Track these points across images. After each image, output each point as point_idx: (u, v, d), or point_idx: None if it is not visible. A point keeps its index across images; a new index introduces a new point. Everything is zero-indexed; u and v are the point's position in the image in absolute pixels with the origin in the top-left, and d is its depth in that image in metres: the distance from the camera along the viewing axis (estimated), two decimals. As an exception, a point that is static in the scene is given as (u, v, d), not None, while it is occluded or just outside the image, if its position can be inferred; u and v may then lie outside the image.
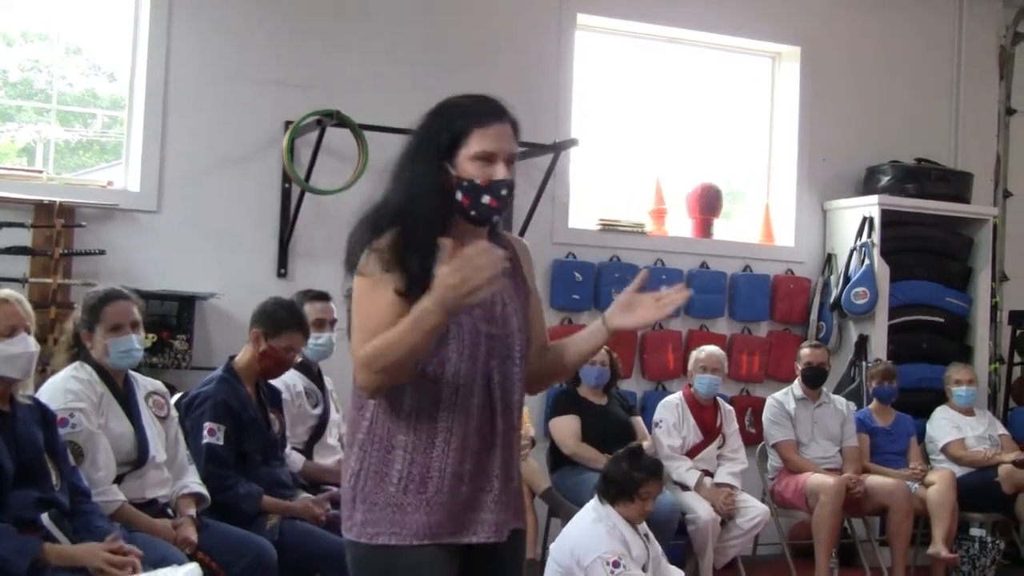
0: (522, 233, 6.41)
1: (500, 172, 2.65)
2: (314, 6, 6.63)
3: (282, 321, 4.75)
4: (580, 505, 5.17)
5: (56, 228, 5.87)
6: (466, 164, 2.64)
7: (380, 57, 6.73)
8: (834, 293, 7.64)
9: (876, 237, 7.53)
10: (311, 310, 5.33)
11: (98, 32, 6.57)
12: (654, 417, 6.38)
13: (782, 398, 6.78)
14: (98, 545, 3.64)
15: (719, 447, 6.38)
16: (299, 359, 5.11)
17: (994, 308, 8.09)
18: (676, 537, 5.85)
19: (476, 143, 2.64)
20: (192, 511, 4.30)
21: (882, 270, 7.52)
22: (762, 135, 8.06)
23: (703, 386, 6.36)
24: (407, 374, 2.58)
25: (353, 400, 2.73)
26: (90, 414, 4.09)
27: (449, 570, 2.66)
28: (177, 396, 4.86)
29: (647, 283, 2.84)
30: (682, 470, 6.15)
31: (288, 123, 6.32)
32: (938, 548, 6.42)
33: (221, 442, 4.57)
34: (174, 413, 4.53)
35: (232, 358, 4.84)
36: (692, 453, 6.28)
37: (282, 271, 6.46)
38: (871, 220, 7.56)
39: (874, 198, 7.63)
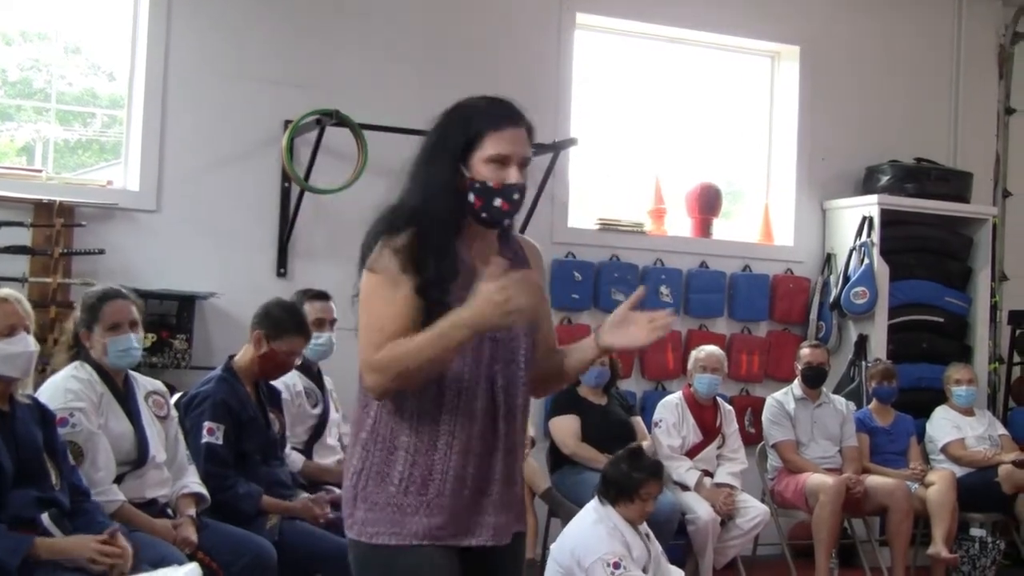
0: (521, 232, 6.39)
1: (513, 176, 2.66)
2: (313, 5, 6.63)
3: (285, 324, 4.75)
4: (580, 505, 5.16)
5: (56, 227, 5.86)
6: (480, 166, 2.64)
7: (379, 56, 6.72)
8: (834, 293, 7.63)
9: (876, 237, 7.53)
10: (311, 310, 5.33)
11: (97, 31, 6.57)
12: (654, 417, 6.38)
13: (782, 398, 6.77)
14: (90, 537, 3.63)
15: (719, 447, 6.38)
16: (299, 361, 5.10)
17: (994, 308, 8.09)
18: (676, 537, 5.84)
19: (490, 146, 2.64)
20: (192, 511, 4.29)
21: (882, 270, 7.52)
22: (761, 135, 8.05)
23: (703, 386, 6.35)
24: (421, 383, 2.59)
25: (358, 399, 2.73)
26: (90, 414, 4.09)
27: (449, 571, 2.65)
28: (177, 396, 4.86)
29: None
30: (682, 470, 6.15)
31: (287, 122, 6.32)
32: (938, 548, 6.42)
33: (220, 442, 4.57)
34: (174, 413, 4.53)
35: (231, 357, 4.83)
36: (692, 453, 6.28)
37: (281, 270, 6.45)
38: (871, 220, 7.56)
39: (873, 198, 7.63)
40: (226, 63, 6.42)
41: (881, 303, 7.52)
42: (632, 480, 4.73)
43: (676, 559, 5.43)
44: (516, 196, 2.67)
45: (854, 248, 7.59)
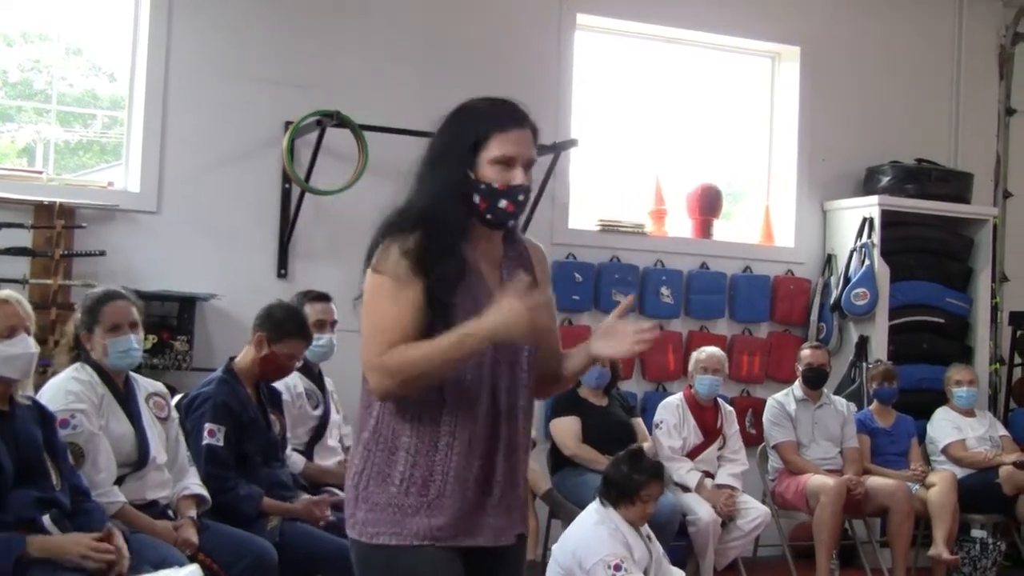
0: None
1: (518, 177, 2.67)
2: (313, 5, 6.63)
3: (287, 328, 4.75)
4: (581, 506, 5.16)
5: (56, 229, 5.86)
6: (485, 168, 2.65)
7: (379, 56, 6.72)
8: (834, 294, 7.63)
9: (876, 237, 7.53)
10: (311, 311, 5.33)
11: (98, 33, 6.57)
12: (654, 418, 6.38)
13: (783, 399, 6.77)
14: (84, 535, 3.63)
15: (720, 448, 6.38)
16: (300, 363, 5.10)
17: (994, 309, 8.08)
18: (677, 538, 5.84)
19: (496, 147, 2.65)
20: (193, 512, 4.30)
21: (882, 271, 7.51)
22: (762, 135, 8.05)
23: (704, 387, 6.35)
24: (427, 387, 2.60)
25: (361, 399, 2.73)
26: (91, 415, 4.09)
27: (451, 571, 2.65)
28: (178, 397, 4.86)
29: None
30: (683, 471, 6.15)
31: (288, 123, 6.31)
32: (939, 549, 6.42)
33: (221, 443, 4.57)
34: (175, 414, 4.53)
35: (232, 359, 4.83)
36: (693, 454, 6.28)
37: (282, 272, 6.45)
38: (871, 220, 7.56)
39: (874, 198, 7.63)
40: (226, 64, 6.42)
41: (882, 304, 7.51)
42: (633, 482, 4.73)
43: (677, 560, 5.43)
44: (521, 197, 2.68)
45: (855, 249, 7.59)
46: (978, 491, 6.76)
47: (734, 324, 7.63)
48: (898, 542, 6.45)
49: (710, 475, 6.25)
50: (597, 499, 4.83)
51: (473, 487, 2.66)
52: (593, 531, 4.72)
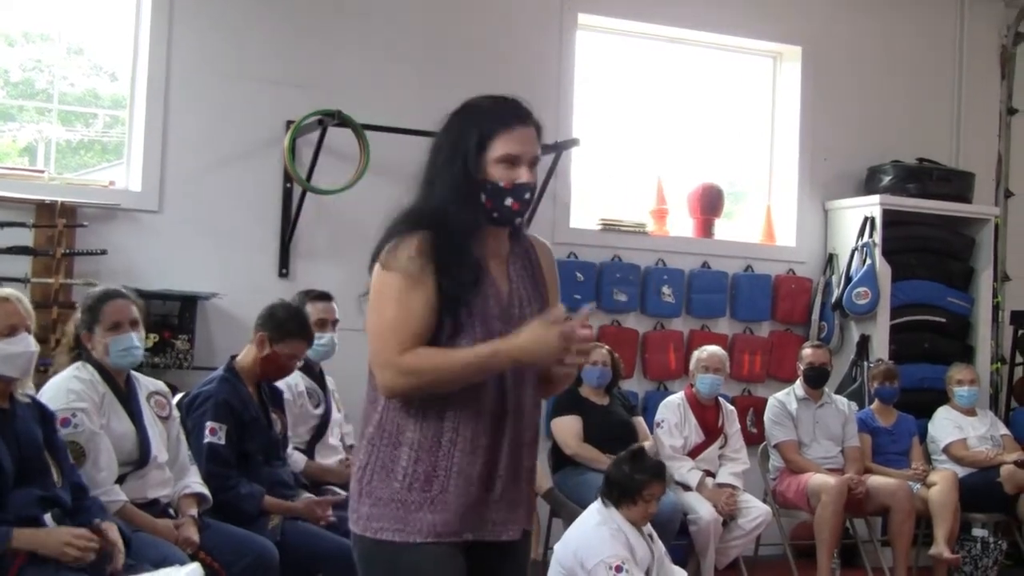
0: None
1: (523, 175, 2.68)
2: (314, 5, 6.63)
3: (288, 328, 4.75)
4: (582, 505, 5.16)
5: (58, 228, 5.87)
6: (490, 167, 2.66)
7: (380, 56, 6.72)
8: (836, 293, 7.63)
9: (878, 237, 7.53)
10: (313, 310, 5.34)
11: (99, 32, 6.57)
12: (656, 417, 6.38)
13: (784, 398, 6.77)
14: (68, 529, 3.62)
15: (721, 447, 6.38)
16: (301, 362, 5.10)
17: (996, 308, 8.08)
18: (678, 537, 5.84)
19: (501, 146, 2.66)
20: (194, 511, 4.30)
21: (883, 270, 7.51)
22: (763, 135, 8.05)
23: (705, 386, 6.35)
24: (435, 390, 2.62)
25: (367, 394, 2.74)
26: (92, 414, 4.09)
27: (453, 567, 2.66)
28: (179, 396, 4.86)
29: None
30: (684, 470, 6.15)
31: (289, 122, 6.31)
32: (940, 549, 6.42)
33: (223, 442, 4.57)
34: (176, 413, 4.53)
35: (233, 358, 4.84)
36: (694, 453, 6.28)
37: (283, 271, 6.46)
38: (872, 220, 7.55)
39: (875, 198, 7.63)
40: (227, 63, 6.42)
41: (883, 303, 7.51)
42: (635, 482, 4.73)
43: (678, 559, 5.43)
44: (527, 196, 2.70)
45: (856, 248, 7.59)
46: (979, 490, 6.76)
47: (735, 323, 7.63)
48: (899, 541, 6.45)
49: (711, 474, 6.25)
50: (599, 499, 4.83)
51: (476, 483, 2.66)
52: (595, 531, 4.71)
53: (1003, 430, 7.25)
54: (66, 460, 3.86)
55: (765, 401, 6.91)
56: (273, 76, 6.48)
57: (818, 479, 6.40)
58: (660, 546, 4.86)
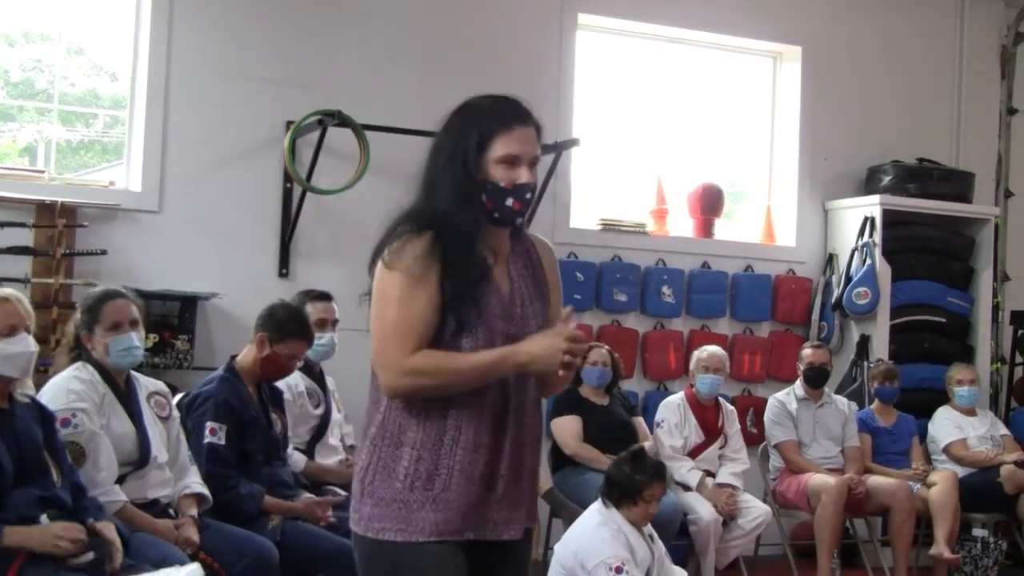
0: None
1: (524, 175, 2.69)
2: (314, 5, 6.63)
3: (288, 328, 4.76)
4: (582, 505, 5.16)
5: (58, 228, 5.87)
6: (490, 167, 2.67)
7: (380, 56, 6.72)
8: (836, 293, 7.63)
9: (878, 237, 7.53)
10: (313, 310, 5.34)
11: (100, 32, 6.57)
12: (656, 417, 6.38)
13: (784, 398, 6.77)
14: (58, 524, 3.61)
15: (721, 447, 6.38)
16: (301, 362, 5.10)
17: (996, 308, 8.08)
18: (678, 537, 5.84)
19: (501, 147, 2.67)
20: (194, 511, 4.30)
21: (884, 270, 7.51)
22: (763, 135, 8.05)
23: (705, 386, 6.35)
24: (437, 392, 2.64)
25: (370, 395, 2.74)
26: (92, 414, 4.09)
27: (455, 566, 2.66)
28: (179, 396, 4.86)
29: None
30: (684, 470, 6.15)
31: (289, 122, 6.31)
32: (940, 548, 6.42)
33: (223, 442, 4.57)
34: (176, 413, 4.53)
35: (233, 358, 4.84)
36: (694, 453, 6.28)
37: (283, 271, 6.46)
38: (872, 220, 7.55)
39: (875, 198, 7.63)
40: (227, 64, 6.42)
41: (883, 303, 7.51)
42: (635, 482, 4.73)
43: (678, 559, 5.43)
44: (528, 196, 2.70)
45: (856, 248, 7.59)
46: (979, 490, 6.76)
47: (735, 323, 7.63)
48: (899, 541, 6.45)
49: (711, 474, 6.25)
50: (599, 499, 4.83)
51: (478, 482, 2.66)
52: (595, 532, 4.71)
53: (1003, 430, 7.25)
54: (65, 460, 3.86)
55: (765, 401, 6.91)
56: (273, 76, 6.48)
57: (818, 479, 6.40)
58: (660, 546, 4.86)
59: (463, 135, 2.68)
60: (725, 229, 7.81)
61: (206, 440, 4.55)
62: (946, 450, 7.02)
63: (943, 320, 7.87)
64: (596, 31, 7.53)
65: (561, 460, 6.16)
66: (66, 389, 4.11)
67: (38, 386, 4.19)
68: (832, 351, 7.25)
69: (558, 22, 7.21)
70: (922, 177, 7.82)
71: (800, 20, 7.88)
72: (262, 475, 4.66)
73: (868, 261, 7.49)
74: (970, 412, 7.16)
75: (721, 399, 6.53)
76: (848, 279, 7.55)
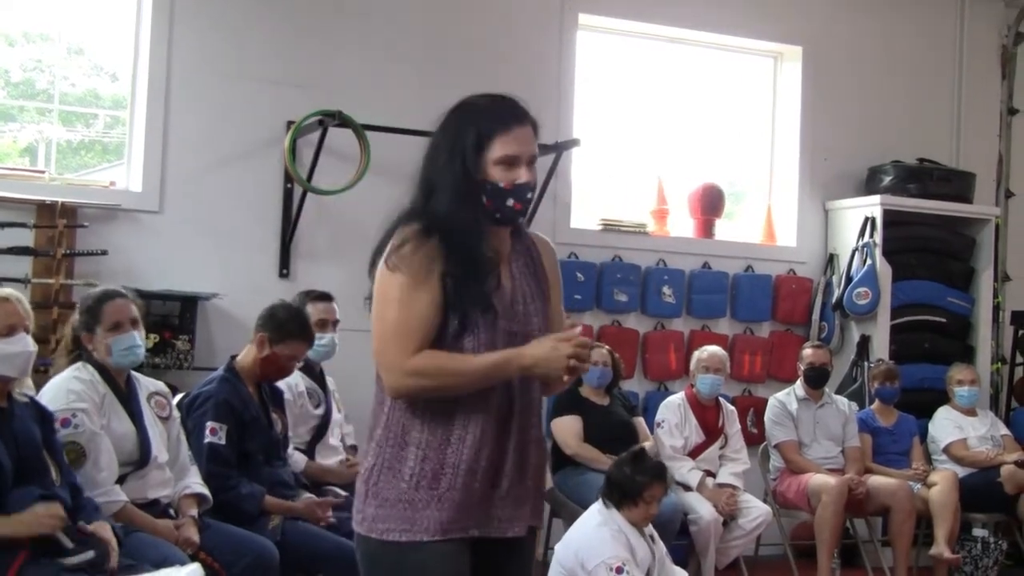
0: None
1: (523, 175, 2.69)
2: (314, 5, 6.63)
3: (289, 329, 4.75)
4: (583, 505, 5.16)
5: (58, 228, 5.87)
6: (489, 168, 2.67)
7: (380, 56, 6.72)
8: (836, 293, 7.63)
9: (878, 237, 7.53)
10: (313, 311, 5.34)
11: (100, 32, 6.57)
12: (656, 417, 6.38)
13: (784, 398, 6.77)
14: (39, 507, 3.60)
15: (721, 447, 6.38)
16: (300, 365, 5.10)
17: (996, 308, 8.08)
18: (678, 537, 5.84)
19: (499, 148, 2.66)
20: (194, 511, 4.30)
21: (884, 270, 7.51)
22: (764, 135, 8.05)
23: (705, 386, 6.36)
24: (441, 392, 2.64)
25: (375, 395, 2.75)
26: (92, 414, 4.09)
27: (459, 564, 2.67)
28: (179, 396, 4.86)
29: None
30: (684, 470, 6.15)
31: (290, 123, 6.31)
32: (940, 549, 6.42)
33: (223, 442, 4.57)
34: (176, 413, 4.53)
35: (234, 358, 4.84)
36: (694, 453, 6.28)
37: (284, 271, 6.46)
38: (873, 220, 7.55)
39: (876, 198, 7.62)
40: (228, 64, 6.42)
41: (883, 303, 7.51)
42: (636, 483, 4.73)
43: (678, 559, 5.43)
44: (528, 195, 2.71)
45: (856, 248, 7.59)
46: (979, 490, 6.76)
47: (736, 323, 7.63)
48: (899, 541, 6.45)
49: (711, 474, 6.25)
50: (600, 500, 4.83)
51: (482, 479, 2.67)
52: (596, 532, 4.71)
53: (1003, 430, 7.25)
54: (63, 460, 3.86)
55: (765, 401, 6.91)
56: (273, 76, 6.49)
57: (818, 479, 6.40)
58: (661, 547, 4.86)
59: (460, 135, 2.68)
60: (725, 229, 7.81)
61: (206, 440, 4.55)
62: (946, 450, 7.02)
63: (943, 320, 7.87)
64: (596, 31, 7.53)
65: (561, 460, 6.16)
66: (66, 389, 4.11)
67: (38, 386, 4.20)
68: (832, 351, 7.25)
69: (558, 22, 7.21)
70: (922, 177, 7.82)
71: (800, 20, 7.88)
72: (262, 475, 4.66)
73: (868, 261, 7.49)
74: (970, 412, 7.16)
75: (721, 399, 6.53)
76: (848, 279, 7.55)
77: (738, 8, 7.68)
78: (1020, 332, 8.09)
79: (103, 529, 3.73)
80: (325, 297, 5.51)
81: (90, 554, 3.62)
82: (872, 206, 7.60)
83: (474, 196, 2.67)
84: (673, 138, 7.87)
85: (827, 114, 7.90)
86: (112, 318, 4.23)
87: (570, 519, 5.22)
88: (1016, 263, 8.46)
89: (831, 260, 7.80)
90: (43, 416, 3.87)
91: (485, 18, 7.06)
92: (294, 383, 5.23)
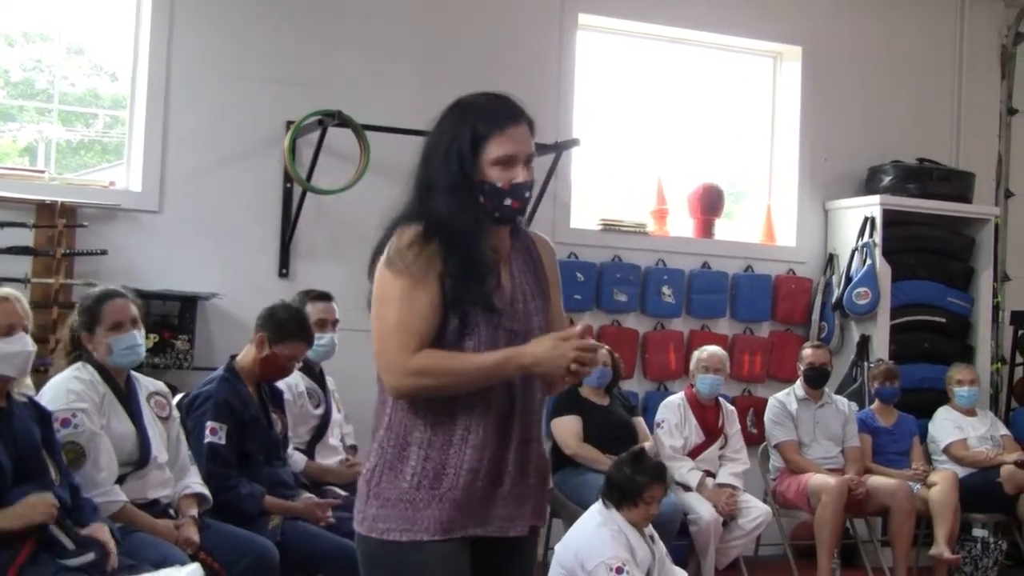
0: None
1: (520, 174, 2.68)
2: (314, 5, 6.63)
3: (288, 329, 4.76)
4: (582, 506, 5.16)
5: (58, 228, 5.87)
6: (487, 168, 2.66)
7: (380, 56, 6.72)
8: (836, 293, 7.63)
9: (878, 237, 7.53)
10: (313, 310, 5.34)
11: (100, 32, 6.57)
12: (656, 417, 6.38)
13: (784, 398, 6.77)
14: (31, 497, 3.59)
15: (721, 447, 6.38)
16: (299, 365, 5.10)
17: (996, 308, 8.08)
18: (678, 537, 5.84)
19: (496, 148, 2.66)
20: (194, 511, 4.30)
21: (884, 270, 7.51)
22: (764, 135, 8.05)
23: (705, 386, 6.35)
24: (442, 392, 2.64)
25: (377, 395, 2.74)
26: (92, 414, 4.09)
27: (459, 564, 2.66)
28: (179, 396, 4.86)
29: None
30: (684, 471, 6.15)
31: (289, 122, 6.31)
32: (940, 549, 6.42)
33: (223, 441, 4.57)
34: (176, 413, 4.53)
35: (233, 358, 4.84)
36: (694, 453, 6.28)
37: (283, 271, 6.45)
38: (873, 220, 7.55)
39: (876, 198, 7.62)
40: (228, 64, 6.42)
41: (883, 303, 7.51)
42: (636, 483, 4.73)
43: (678, 559, 5.43)
44: (526, 194, 2.70)
45: (856, 248, 7.59)
46: (979, 490, 6.76)
47: (735, 323, 7.63)
48: (899, 541, 6.45)
49: (711, 474, 6.25)
50: (600, 500, 4.83)
51: (483, 478, 2.66)
52: (596, 533, 4.71)
53: (1003, 430, 7.25)
54: (61, 460, 3.86)
55: (765, 401, 6.91)
56: (273, 76, 6.48)
57: (818, 479, 6.40)
58: (661, 547, 4.86)
59: (456, 135, 2.67)
60: (725, 229, 7.81)
61: (206, 440, 4.55)
62: (946, 450, 7.02)
63: (943, 320, 7.87)
64: (596, 31, 7.53)
65: (561, 460, 6.16)
66: (66, 389, 4.11)
67: (37, 386, 4.20)
68: (832, 351, 7.25)
69: (558, 22, 7.21)
70: (922, 177, 7.82)
71: (800, 20, 7.88)
72: (262, 475, 4.66)
73: (868, 261, 7.49)
74: (970, 412, 7.16)
75: (721, 399, 6.53)
76: (848, 279, 7.55)
77: (738, 8, 7.68)
78: (1020, 332, 8.09)
79: (101, 531, 3.73)
80: (325, 297, 5.51)
81: (91, 555, 3.62)
82: (872, 206, 7.60)
83: (472, 196, 2.66)
84: (673, 138, 7.87)
85: (827, 114, 7.90)
86: (112, 318, 4.23)
87: (570, 519, 5.22)
88: (1016, 263, 8.47)
89: (831, 260, 7.80)
90: (42, 416, 3.86)
91: (485, 18, 7.05)
92: (294, 383, 5.22)
